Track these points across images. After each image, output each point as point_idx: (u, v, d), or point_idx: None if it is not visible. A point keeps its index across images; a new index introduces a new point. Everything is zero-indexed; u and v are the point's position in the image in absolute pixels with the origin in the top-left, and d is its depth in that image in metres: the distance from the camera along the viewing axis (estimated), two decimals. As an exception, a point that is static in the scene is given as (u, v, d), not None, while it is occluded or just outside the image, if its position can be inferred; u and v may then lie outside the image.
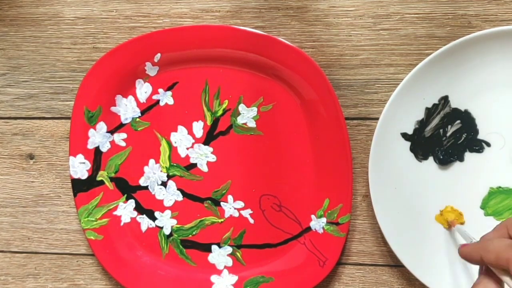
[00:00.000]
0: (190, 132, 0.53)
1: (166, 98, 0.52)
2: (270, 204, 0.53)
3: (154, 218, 0.54)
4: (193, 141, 0.53)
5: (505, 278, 0.35)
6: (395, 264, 0.53)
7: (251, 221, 0.53)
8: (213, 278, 0.54)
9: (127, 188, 0.54)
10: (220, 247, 0.54)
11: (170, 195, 0.53)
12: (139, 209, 0.54)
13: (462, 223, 0.50)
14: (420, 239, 0.50)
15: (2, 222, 0.57)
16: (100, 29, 0.53)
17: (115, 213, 0.54)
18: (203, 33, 0.50)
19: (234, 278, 0.53)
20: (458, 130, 0.49)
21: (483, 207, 0.50)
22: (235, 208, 0.53)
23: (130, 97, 0.53)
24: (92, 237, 0.53)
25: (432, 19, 0.49)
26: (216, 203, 0.53)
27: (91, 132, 0.53)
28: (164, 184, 0.53)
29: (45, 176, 0.56)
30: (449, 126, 0.49)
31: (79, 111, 0.52)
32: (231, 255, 0.54)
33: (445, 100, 0.49)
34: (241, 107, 0.52)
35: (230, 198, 0.53)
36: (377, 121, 0.48)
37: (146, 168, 0.53)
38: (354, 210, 0.52)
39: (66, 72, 0.54)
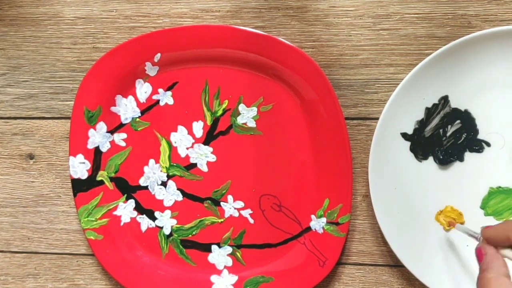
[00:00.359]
0: (190, 132, 0.53)
1: (166, 98, 0.52)
2: (270, 204, 0.53)
3: (154, 218, 0.54)
4: (193, 141, 0.53)
5: None
6: (395, 264, 0.53)
7: (251, 221, 0.53)
8: (213, 278, 0.54)
9: (127, 188, 0.54)
10: (220, 247, 0.54)
11: (170, 195, 0.53)
12: (139, 209, 0.54)
13: (462, 223, 0.50)
14: (420, 239, 0.50)
15: (2, 222, 0.57)
16: (100, 29, 0.53)
17: (115, 213, 0.54)
18: (203, 33, 0.50)
19: (234, 278, 0.53)
20: (458, 130, 0.49)
21: (483, 207, 0.50)
22: (235, 208, 0.53)
23: (130, 97, 0.53)
24: (92, 237, 0.53)
25: (432, 19, 0.49)
26: (216, 203, 0.53)
27: (91, 132, 0.53)
28: (164, 184, 0.53)
29: (45, 176, 0.56)
30: (449, 126, 0.49)
31: (79, 111, 0.52)
32: (231, 255, 0.54)
33: (445, 100, 0.49)
34: (241, 107, 0.52)
35: (230, 198, 0.53)
36: (377, 121, 0.48)
37: (146, 168, 0.53)
38: (354, 210, 0.52)
39: (66, 72, 0.54)
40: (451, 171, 0.50)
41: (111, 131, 0.53)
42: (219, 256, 0.54)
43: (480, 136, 0.49)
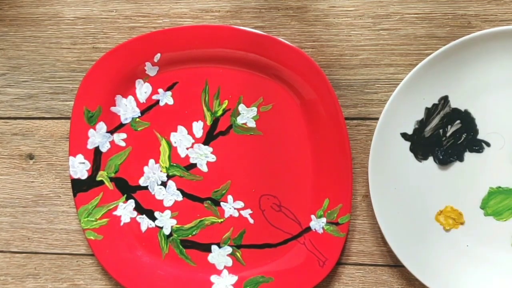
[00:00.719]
0: (190, 132, 0.53)
1: (166, 98, 0.52)
2: (270, 204, 0.53)
3: (154, 218, 0.54)
4: (193, 141, 0.53)
5: None
6: (395, 264, 0.53)
7: (251, 221, 0.53)
8: (213, 278, 0.54)
9: (127, 188, 0.54)
10: (220, 247, 0.54)
11: (170, 195, 0.53)
12: (139, 209, 0.54)
13: (462, 223, 0.50)
14: (420, 239, 0.50)
15: (2, 222, 0.57)
16: (100, 29, 0.53)
17: (115, 213, 0.54)
18: (203, 33, 0.50)
19: (234, 278, 0.53)
20: (458, 130, 0.49)
21: (483, 207, 0.50)
22: (235, 208, 0.53)
23: (130, 97, 0.53)
24: (92, 237, 0.53)
25: (432, 19, 0.49)
26: (216, 203, 0.53)
27: (91, 132, 0.53)
28: (164, 184, 0.53)
29: (45, 176, 0.56)
30: (449, 126, 0.49)
31: (79, 111, 0.52)
32: (231, 255, 0.54)
33: (445, 100, 0.49)
34: (241, 107, 0.52)
35: (230, 198, 0.53)
36: (377, 121, 0.48)
37: (146, 168, 0.53)
38: (354, 210, 0.52)
39: (66, 72, 0.54)
40: (451, 171, 0.50)
41: (111, 131, 0.53)
42: (219, 256, 0.54)
43: (480, 136, 0.49)
